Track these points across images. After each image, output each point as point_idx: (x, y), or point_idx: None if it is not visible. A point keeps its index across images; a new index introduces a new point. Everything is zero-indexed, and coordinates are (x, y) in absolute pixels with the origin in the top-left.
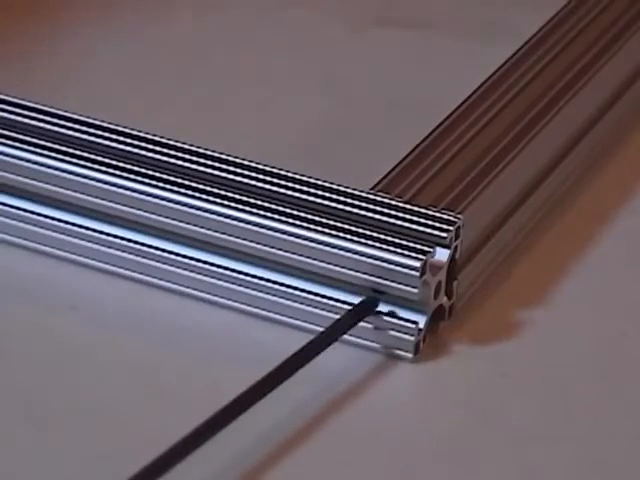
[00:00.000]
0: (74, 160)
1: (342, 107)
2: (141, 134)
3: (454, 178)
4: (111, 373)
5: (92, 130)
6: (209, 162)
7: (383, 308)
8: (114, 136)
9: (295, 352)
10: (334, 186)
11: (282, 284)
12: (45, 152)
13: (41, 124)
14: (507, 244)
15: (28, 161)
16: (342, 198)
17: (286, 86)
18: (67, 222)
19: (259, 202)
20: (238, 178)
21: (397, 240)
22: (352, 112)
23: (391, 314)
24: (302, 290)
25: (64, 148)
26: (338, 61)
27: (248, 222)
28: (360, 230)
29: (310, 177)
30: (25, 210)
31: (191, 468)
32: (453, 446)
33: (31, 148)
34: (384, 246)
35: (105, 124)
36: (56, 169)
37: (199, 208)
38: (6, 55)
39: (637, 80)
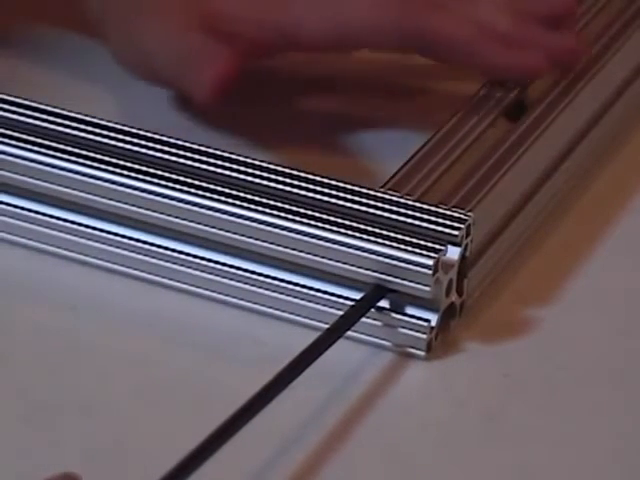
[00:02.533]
0: (75, 159)
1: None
2: (147, 134)
3: (463, 176)
4: (113, 372)
5: (94, 129)
6: (216, 161)
7: (393, 305)
8: (115, 135)
9: (304, 349)
10: (345, 185)
11: (293, 282)
12: (46, 151)
13: (43, 123)
14: (515, 242)
15: (29, 160)
16: (353, 197)
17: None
18: (69, 221)
19: (270, 201)
20: (248, 177)
21: (409, 238)
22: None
23: (401, 311)
24: (313, 289)
25: (66, 147)
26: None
27: (258, 221)
28: (371, 229)
29: (321, 176)
30: (26, 209)
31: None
32: (462, 444)
33: (32, 147)
34: (396, 244)
35: (110, 124)
36: (58, 168)
37: (211, 208)
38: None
39: (637, 79)
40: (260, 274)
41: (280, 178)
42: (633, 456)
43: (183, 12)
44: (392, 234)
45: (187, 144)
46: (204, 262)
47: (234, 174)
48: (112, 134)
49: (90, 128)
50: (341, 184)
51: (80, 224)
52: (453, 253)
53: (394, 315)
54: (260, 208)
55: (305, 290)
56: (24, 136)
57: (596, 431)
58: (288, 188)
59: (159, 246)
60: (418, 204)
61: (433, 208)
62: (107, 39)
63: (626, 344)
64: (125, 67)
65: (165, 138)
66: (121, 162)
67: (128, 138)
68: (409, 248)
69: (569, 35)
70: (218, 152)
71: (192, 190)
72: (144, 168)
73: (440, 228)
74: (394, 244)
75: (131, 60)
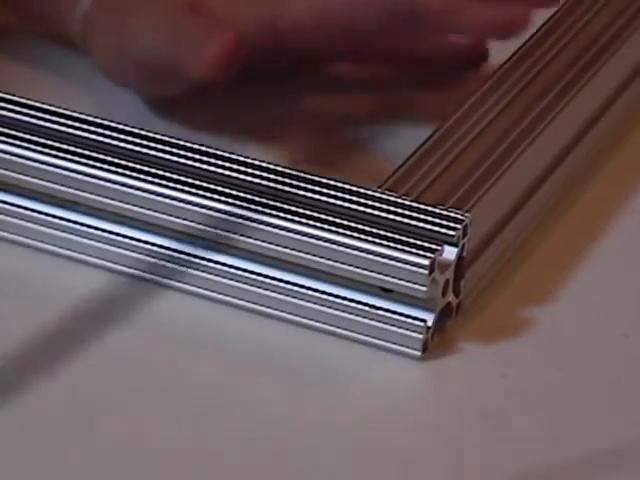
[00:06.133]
0: (72, 157)
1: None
2: (141, 132)
3: (460, 176)
4: (111, 371)
5: (89, 127)
6: (211, 160)
7: (389, 305)
8: (110, 133)
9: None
10: (343, 185)
11: (289, 282)
12: (42, 149)
13: (39, 122)
14: (512, 242)
15: (25, 158)
16: (351, 197)
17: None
18: (65, 219)
19: (266, 200)
20: (247, 178)
21: (405, 238)
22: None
23: (397, 310)
24: (310, 288)
25: (62, 145)
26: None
27: (254, 220)
28: (368, 228)
29: (318, 176)
30: (22, 207)
31: None
32: (459, 445)
33: (28, 145)
34: (393, 244)
35: (105, 122)
36: (54, 166)
37: (207, 207)
38: None
39: (636, 79)
40: (256, 273)
41: (277, 177)
42: (632, 456)
43: (171, 4)
44: (389, 234)
45: (186, 144)
46: (204, 262)
47: (240, 176)
48: (107, 132)
49: (86, 126)
50: (338, 184)
51: (77, 222)
52: (450, 253)
53: (390, 315)
54: (256, 207)
55: (301, 290)
56: (19, 134)
57: (595, 432)
58: (286, 188)
59: (153, 244)
60: (415, 204)
61: (430, 208)
62: (92, 54)
63: (624, 344)
64: (111, 74)
65: (164, 137)
66: (116, 160)
67: (122, 136)
68: (406, 248)
69: None
70: (215, 151)
71: (190, 190)
72: (142, 167)
73: (437, 228)
74: (391, 244)
75: (118, 62)
